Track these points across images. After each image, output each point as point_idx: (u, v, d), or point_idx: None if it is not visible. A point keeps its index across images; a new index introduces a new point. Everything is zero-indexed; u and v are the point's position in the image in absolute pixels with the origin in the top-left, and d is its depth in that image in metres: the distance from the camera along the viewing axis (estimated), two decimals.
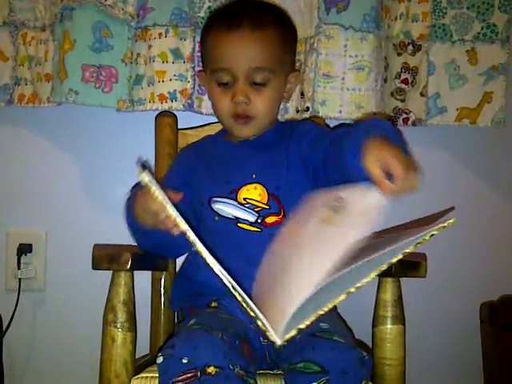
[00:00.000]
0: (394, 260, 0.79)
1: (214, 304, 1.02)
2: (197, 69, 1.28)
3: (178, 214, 0.82)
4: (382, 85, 1.30)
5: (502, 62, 1.32)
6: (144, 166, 0.81)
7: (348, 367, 0.84)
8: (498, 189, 1.45)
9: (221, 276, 0.78)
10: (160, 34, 1.27)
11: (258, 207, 1.07)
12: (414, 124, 1.33)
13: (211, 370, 0.82)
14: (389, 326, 0.95)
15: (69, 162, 1.40)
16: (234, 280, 0.80)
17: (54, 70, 1.27)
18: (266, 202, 1.07)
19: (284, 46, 1.11)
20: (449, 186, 1.44)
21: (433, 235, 0.79)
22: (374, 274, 0.79)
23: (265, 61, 1.07)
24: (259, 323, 0.77)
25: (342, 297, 0.78)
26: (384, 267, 0.79)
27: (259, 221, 1.06)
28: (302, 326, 0.77)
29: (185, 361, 0.83)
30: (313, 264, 0.79)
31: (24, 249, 1.38)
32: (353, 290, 0.78)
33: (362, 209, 0.81)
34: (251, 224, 1.06)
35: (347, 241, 0.78)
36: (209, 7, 1.27)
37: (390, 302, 0.96)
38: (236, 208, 1.07)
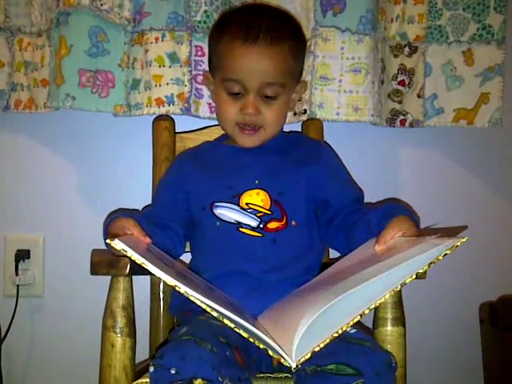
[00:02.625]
0: (408, 281, 0.81)
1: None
2: (194, 73, 1.28)
3: (161, 272, 0.80)
4: (379, 87, 1.30)
5: (498, 62, 1.32)
6: (112, 236, 0.83)
7: (382, 369, 0.85)
8: (495, 189, 1.45)
9: (224, 317, 0.80)
10: (156, 39, 1.26)
11: (261, 212, 1.07)
12: (411, 125, 1.33)
13: (199, 382, 0.81)
14: (389, 328, 0.95)
15: (66, 167, 1.39)
16: (237, 310, 0.83)
17: (51, 76, 1.26)
18: (268, 208, 1.08)
19: (296, 58, 1.13)
20: (446, 186, 1.44)
21: (446, 255, 0.81)
22: (387, 295, 0.81)
23: (277, 76, 1.08)
24: (270, 353, 0.79)
25: (356, 318, 0.79)
26: (398, 288, 0.81)
27: (261, 226, 1.07)
28: (316, 349, 0.78)
29: (173, 371, 0.82)
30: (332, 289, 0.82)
31: (22, 255, 1.37)
32: (367, 311, 0.80)
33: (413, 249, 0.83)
34: (253, 229, 1.07)
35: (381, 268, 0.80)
36: (205, 11, 1.27)
37: (390, 304, 0.95)
38: (238, 213, 1.07)
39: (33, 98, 1.31)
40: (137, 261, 0.81)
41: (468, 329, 1.42)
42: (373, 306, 0.80)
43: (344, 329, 0.80)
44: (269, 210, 1.07)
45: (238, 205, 1.08)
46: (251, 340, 0.81)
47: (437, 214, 1.41)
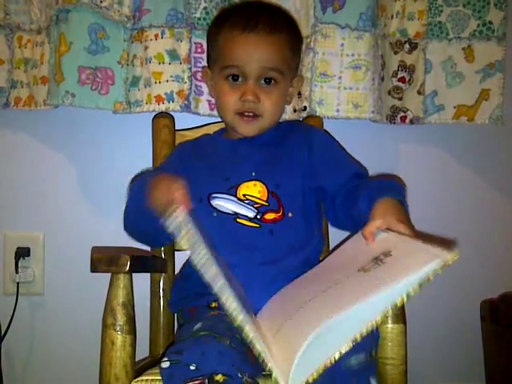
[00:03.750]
0: (399, 303, 0.78)
1: (214, 304, 1.01)
2: (193, 70, 1.28)
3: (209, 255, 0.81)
4: (379, 83, 1.30)
5: (499, 59, 1.32)
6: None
7: None
8: (496, 186, 1.45)
9: (243, 325, 0.80)
10: (156, 36, 1.26)
11: (258, 204, 1.08)
12: (411, 122, 1.33)
13: (219, 377, 0.80)
14: (390, 325, 0.95)
15: (66, 164, 1.39)
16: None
17: (51, 73, 1.26)
18: (265, 199, 1.08)
19: (293, 51, 1.15)
20: (447, 183, 1.44)
21: (437, 274, 0.80)
22: (379, 318, 0.78)
23: (276, 62, 1.10)
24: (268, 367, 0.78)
25: (348, 346, 0.77)
26: (389, 311, 0.78)
27: (258, 217, 1.07)
28: (310, 379, 0.76)
29: (192, 367, 0.81)
30: (328, 306, 0.80)
31: (22, 252, 1.37)
32: (358, 337, 0.77)
33: (406, 265, 0.81)
34: (250, 220, 1.07)
35: (373, 288, 0.78)
36: (205, 8, 1.27)
37: None
38: (235, 204, 1.08)
39: (32, 95, 1.31)
40: (193, 239, 0.84)
41: (469, 326, 1.41)
42: (364, 332, 0.77)
43: (337, 357, 0.77)
44: (266, 202, 1.08)
45: (236, 196, 1.08)
46: (260, 356, 0.79)
47: (437, 210, 1.41)
